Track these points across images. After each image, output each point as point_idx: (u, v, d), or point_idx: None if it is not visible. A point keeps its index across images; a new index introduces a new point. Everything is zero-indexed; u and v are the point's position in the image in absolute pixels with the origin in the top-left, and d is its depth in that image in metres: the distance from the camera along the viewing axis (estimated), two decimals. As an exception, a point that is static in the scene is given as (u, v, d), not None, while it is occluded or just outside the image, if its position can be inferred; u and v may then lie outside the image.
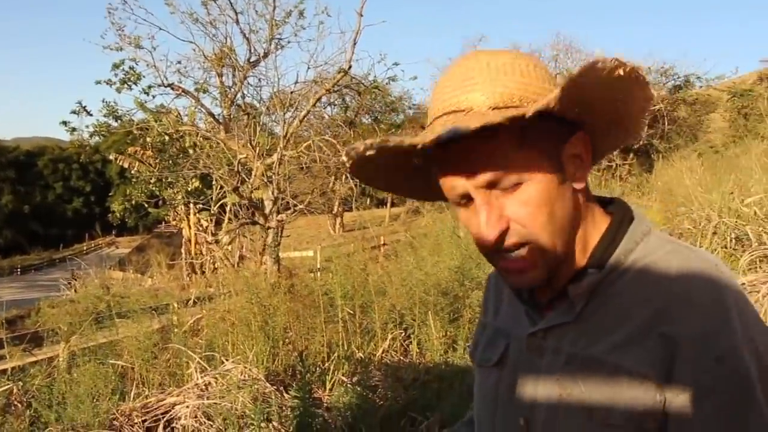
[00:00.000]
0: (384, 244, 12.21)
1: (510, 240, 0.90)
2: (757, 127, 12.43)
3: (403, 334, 5.37)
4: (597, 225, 1.00)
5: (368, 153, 0.85)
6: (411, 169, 1.02)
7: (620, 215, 1.02)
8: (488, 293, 1.27)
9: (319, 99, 11.31)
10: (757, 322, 0.88)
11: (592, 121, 0.94)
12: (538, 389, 0.99)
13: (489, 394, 1.11)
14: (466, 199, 0.92)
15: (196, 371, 4.46)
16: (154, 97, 11.54)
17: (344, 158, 0.92)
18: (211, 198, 12.20)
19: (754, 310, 0.89)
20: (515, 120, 0.80)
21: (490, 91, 0.89)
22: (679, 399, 0.84)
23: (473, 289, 5.60)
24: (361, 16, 10.21)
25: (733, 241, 6.30)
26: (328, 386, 4.62)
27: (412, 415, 4.15)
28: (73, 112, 12.45)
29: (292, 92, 11.20)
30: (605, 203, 1.05)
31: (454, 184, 0.91)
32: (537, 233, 0.90)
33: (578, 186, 0.96)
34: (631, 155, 22.09)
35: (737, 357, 0.83)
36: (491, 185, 0.89)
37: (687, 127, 23.71)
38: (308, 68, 11.68)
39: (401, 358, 5.17)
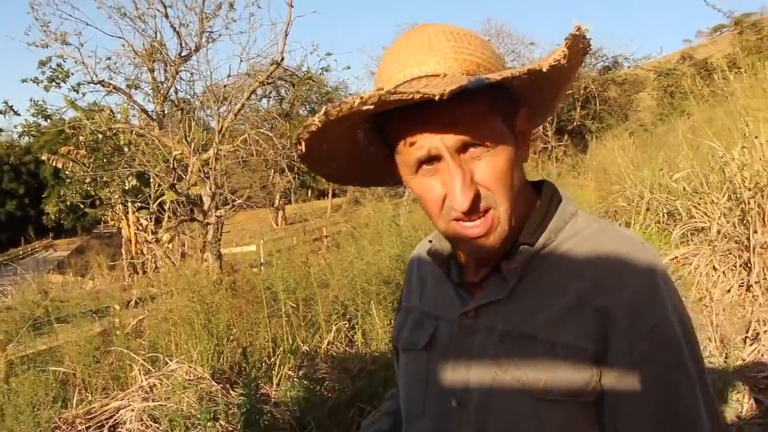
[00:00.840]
0: (326, 236, 12.21)
1: (481, 205, 0.92)
2: (682, 105, 12.85)
3: (347, 324, 5.40)
4: (528, 204, 1.02)
5: (365, 108, 0.83)
6: (359, 153, 1.03)
7: (549, 196, 1.05)
8: (410, 278, 1.27)
9: (253, 92, 11.20)
10: (677, 292, 0.94)
11: (534, 96, 0.98)
12: (470, 369, 0.99)
13: (418, 377, 1.10)
14: (430, 163, 0.92)
15: (140, 373, 4.42)
16: (84, 94, 11.21)
17: (305, 133, 0.91)
18: (150, 196, 11.96)
19: (674, 283, 0.95)
20: (525, 76, 0.82)
21: (461, 59, 0.90)
22: (616, 368, 0.88)
23: (414, 277, 5.66)
24: (292, 6, 10.14)
25: (666, 216, 6.54)
26: (275, 381, 4.63)
27: (360, 406, 4.19)
28: (0, 112, 12.03)
29: (225, 86, 11.07)
30: (534, 185, 1.08)
31: (423, 143, 0.90)
32: (500, 200, 0.92)
33: (523, 158, 1.00)
34: (566, 136, 22.57)
35: (669, 325, 0.89)
36: (464, 147, 0.90)
37: (618, 107, 24.36)
38: (241, 61, 11.63)
39: (347, 348, 5.20)
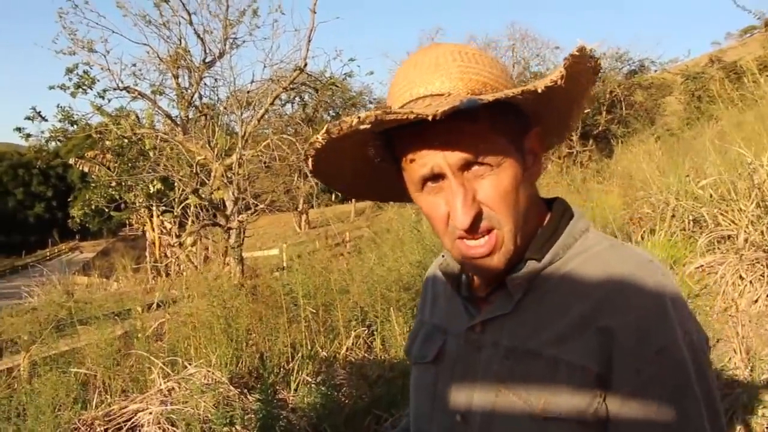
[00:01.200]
0: (348, 241, 12.23)
1: (483, 224, 0.92)
2: (709, 109, 12.67)
3: (367, 331, 5.40)
4: (538, 220, 1.02)
5: (362, 127, 0.85)
6: (370, 169, 1.05)
7: (560, 212, 1.04)
8: (425, 294, 1.29)
9: (276, 97, 11.25)
10: (689, 314, 0.92)
11: (547, 115, 0.98)
12: (476, 385, 0.99)
13: (426, 391, 1.11)
14: (435, 180, 0.93)
15: (158, 377, 4.43)
16: (110, 100, 11.39)
17: (317, 144, 0.92)
18: (174, 200, 12.07)
19: (686, 304, 0.93)
20: (520, 97, 0.83)
21: (467, 78, 0.91)
22: (621, 391, 0.87)
23: (434, 284, 5.64)
24: (315, 13, 10.19)
25: (691, 223, 6.43)
26: (293, 387, 4.63)
27: (377, 413, 4.17)
28: (28, 118, 12.23)
29: (249, 91, 11.14)
30: (547, 201, 1.08)
31: (426, 161, 0.91)
32: (504, 219, 0.93)
33: (533, 178, 1.00)
34: (591, 141, 22.37)
35: (677, 349, 0.87)
36: (467, 165, 0.90)
37: (644, 111, 24.04)
38: (264, 67, 11.69)
39: (365, 355, 5.20)
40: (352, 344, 5.22)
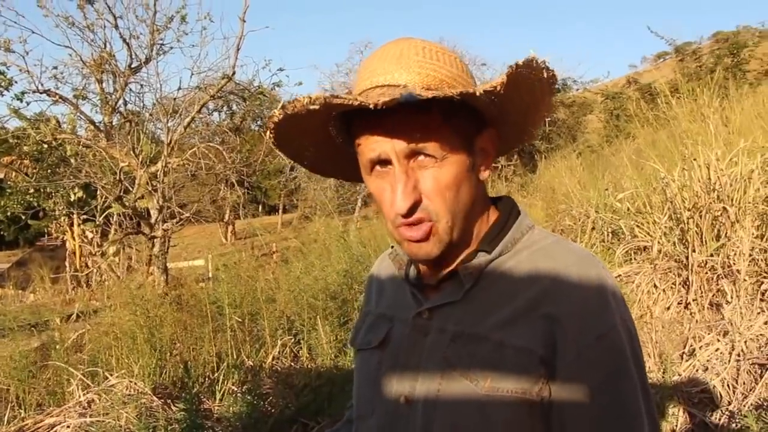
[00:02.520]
0: (275, 251, 12.13)
1: (417, 214, 0.97)
2: (627, 127, 13.18)
3: (293, 340, 5.37)
4: (489, 216, 1.10)
5: (311, 107, 0.88)
6: (334, 149, 1.09)
7: (508, 210, 1.11)
8: (370, 288, 1.33)
9: (203, 105, 11.06)
10: (625, 305, 0.99)
11: (502, 119, 1.03)
12: (420, 368, 1.03)
13: (369, 376, 1.14)
14: (383, 165, 0.98)
15: (78, 388, 4.30)
16: (28, 104, 10.93)
17: (274, 117, 0.96)
18: (96, 208, 11.69)
19: (623, 296, 1.00)
20: (458, 97, 0.87)
21: (424, 73, 0.96)
22: (563, 372, 0.92)
23: (362, 292, 5.67)
24: (244, 21, 10.08)
25: (610, 235, 6.66)
26: (218, 396, 4.57)
27: (303, 421, 4.17)
28: (-63, 119, 11.62)
29: (175, 99, 10.92)
30: (495, 200, 1.15)
31: (375, 146, 0.96)
32: (441, 212, 0.97)
33: (482, 177, 1.04)
34: (515, 156, 22.89)
35: (616, 335, 0.93)
36: (413, 154, 0.95)
37: (566, 128, 24.78)
38: (192, 74, 11.46)
39: (292, 364, 5.17)
40: (279, 353, 5.18)
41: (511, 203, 1.13)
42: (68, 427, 3.85)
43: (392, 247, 1.23)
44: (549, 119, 23.70)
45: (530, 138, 1.17)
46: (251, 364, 5.00)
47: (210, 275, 9.39)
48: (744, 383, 3.74)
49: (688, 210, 4.87)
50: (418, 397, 1.01)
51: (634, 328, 0.98)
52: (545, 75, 0.91)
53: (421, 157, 0.95)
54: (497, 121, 1.04)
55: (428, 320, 1.05)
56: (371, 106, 0.85)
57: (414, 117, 0.92)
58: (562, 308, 0.94)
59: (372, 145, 0.96)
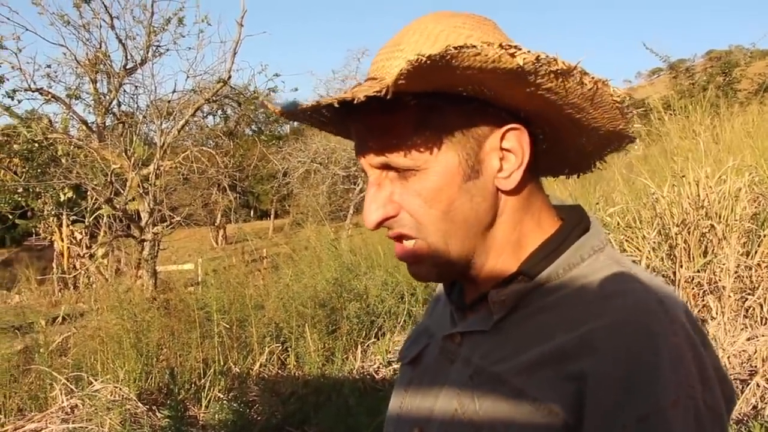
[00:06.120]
0: (265, 257, 12.10)
1: (395, 230, 0.82)
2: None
3: (281, 347, 5.36)
4: (541, 230, 0.87)
5: (318, 104, 0.74)
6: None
7: (571, 224, 0.88)
8: (435, 296, 1.15)
9: (198, 108, 11.06)
10: (704, 368, 0.73)
11: (543, 123, 0.85)
12: (438, 399, 0.87)
13: (398, 393, 0.99)
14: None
15: (61, 393, 4.27)
16: (20, 102, 10.86)
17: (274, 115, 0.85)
18: (86, 209, 11.63)
19: (702, 354, 0.73)
20: (391, 92, 0.67)
21: (416, 59, 0.69)
22: None
23: (351, 301, 5.67)
24: (242, 26, 10.10)
25: (600, 249, 6.67)
26: (204, 403, 4.54)
27: (289, 429, 4.15)
28: (-75, 116, 11.54)
29: (170, 101, 10.91)
30: (559, 208, 0.92)
31: (354, 157, 0.87)
32: (426, 230, 0.81)
33: (505, 185, 0.82)
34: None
35: (664, 421, 0.68)
36: (384, 166, 0.80)
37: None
38: (187, 77, 11.42)
39: (279, 371, 5.15)
40: (266, 360, 5.17)
41: (579, 215, 0.90)
42: (50, 432, 3.82)
43: None
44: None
45: (589, 167, 0.97)
46: (238, 371, 4.98)
47: (199, 280, 9.36)
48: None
49: (677, 226, 4.89)
50: (431, 429, 0.86)
51: (713, 406, 0.71)
52: (587, 81, 0.74)
53: (392, 172, 0.80)
54: (546, 128, 0.86)
55: (458, 346, 0.88)
56: (322, 103, 0.72)
57: (381, 119, 0.77)
58: (597, 367, 0.71)
59: (353, 148, 0.83)
